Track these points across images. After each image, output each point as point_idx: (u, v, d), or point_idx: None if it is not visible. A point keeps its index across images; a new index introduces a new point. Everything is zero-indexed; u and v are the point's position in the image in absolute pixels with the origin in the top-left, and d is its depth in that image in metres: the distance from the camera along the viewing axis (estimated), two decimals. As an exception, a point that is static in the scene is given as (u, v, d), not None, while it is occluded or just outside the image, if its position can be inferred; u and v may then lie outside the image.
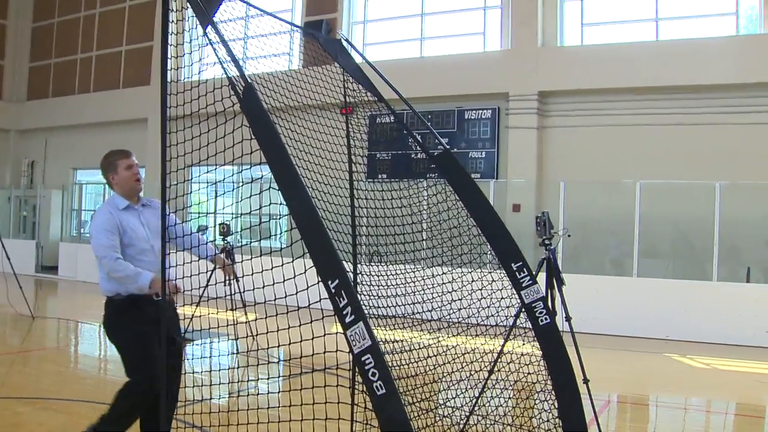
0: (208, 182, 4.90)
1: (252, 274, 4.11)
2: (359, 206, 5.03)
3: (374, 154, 17.29)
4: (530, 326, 4.24)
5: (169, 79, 3.91)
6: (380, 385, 2.27)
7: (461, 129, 17.11)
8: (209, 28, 3.34)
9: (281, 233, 19.03)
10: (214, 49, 3.31)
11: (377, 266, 4.84)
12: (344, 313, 2.37)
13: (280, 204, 3.95)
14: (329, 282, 2.44)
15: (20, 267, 13.34)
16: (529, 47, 16.45)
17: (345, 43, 4.95)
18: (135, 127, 22.54)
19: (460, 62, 17.18)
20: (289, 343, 3.68)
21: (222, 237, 10.86)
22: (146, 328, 4.66)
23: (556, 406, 4.23)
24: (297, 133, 4.40)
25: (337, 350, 3.04)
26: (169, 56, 3.90)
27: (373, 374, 2.29)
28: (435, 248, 4.65)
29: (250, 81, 3.01)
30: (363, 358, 2.30)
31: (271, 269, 3.70)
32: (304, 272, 3.37)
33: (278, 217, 15.78)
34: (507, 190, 16.17)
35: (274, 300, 4.35)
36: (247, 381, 7.89)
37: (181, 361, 5.00)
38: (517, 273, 4.12)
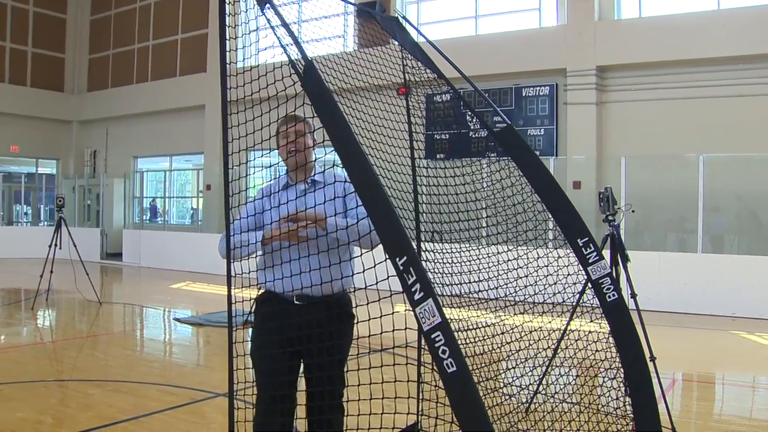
0: (263, 166, 4.80)
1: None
2: (420, 184, 4.99)
3: (432, 134, 17.20)
4: (596, 303, 4.16)
5: (228, 63, 3.90)
6: (451, 362, 2.24)
7: (519, 106, 16.92)
8: (268, 10, 3.32)
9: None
10: (273, 30, 3.29)
11: (439, 245, 4.79)
12: (413, 290, 2.34)
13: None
14: (397, 259, 2.42)
15: (85, 254, 13.63)
16: (585, 21, 16.15)
17: (402, 21, 4.89)
18: (192, 113, 22.83)
19: (516, 39, 16.98)
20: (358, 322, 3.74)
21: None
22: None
23: (625, 384, 4.15)
24: (354, 117, 4.38)
25: (392, 330, 3.04)
26: (227, 38, 3.90)
27: (443, 351, 2.26)
28: (497, 225, 4.58)
29: (310, 59, 2.99)
30: (433, 336, 2.28)
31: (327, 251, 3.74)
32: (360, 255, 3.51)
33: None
34: (567, 167, 15.96)
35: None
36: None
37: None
38: (583, 249, 4.04)
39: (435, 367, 2.30)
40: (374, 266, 2.80)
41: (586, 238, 4.08)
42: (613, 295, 4.00)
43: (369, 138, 4.36)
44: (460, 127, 16.03)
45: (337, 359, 3.87)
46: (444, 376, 2.22)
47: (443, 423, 3.82)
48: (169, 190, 25.06)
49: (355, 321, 3.92)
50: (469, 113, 5.35)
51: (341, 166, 2.76)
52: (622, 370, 4.10)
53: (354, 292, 3.94)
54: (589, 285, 4.19)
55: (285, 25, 3.30)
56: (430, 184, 4.89)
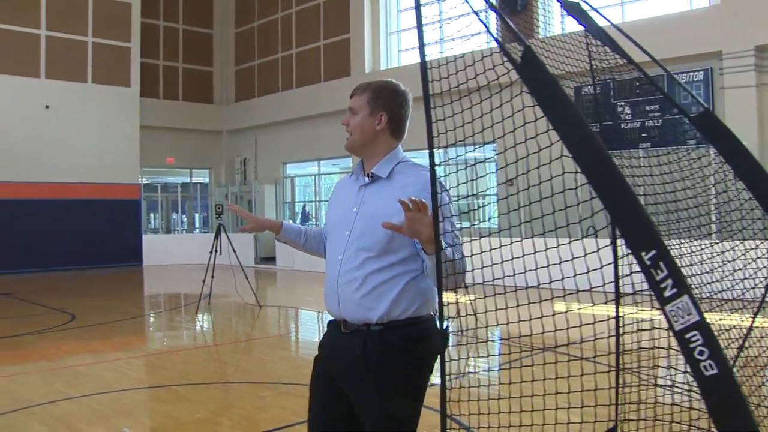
0: (457, 163, 4.55)
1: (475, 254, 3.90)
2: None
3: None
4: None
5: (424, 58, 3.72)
6: (710, 364, 1.95)
7: (671, 94, 16.03)
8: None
9: (492, 216, 18.89)
10: (478, 16, 3.06)
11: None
12: (663, 286, 2.06)
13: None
14: (643, 253, 2.14)
15: (241, 259, 13.89)
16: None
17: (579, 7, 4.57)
18: (338, 117, 22.86)
19: (665, 24, 16.09)
20: (524, 321, 3.44)
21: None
22: None
23: None
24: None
25: (565, 328, 2.76)
26: (423, 27, 3.72)
27: (701, 353, 1.97)
28: (699, 217, 4.19)
29: (528, 43, 2.73)
30: (688, 336, 1.99)
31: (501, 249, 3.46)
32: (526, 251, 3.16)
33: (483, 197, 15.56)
34: (728, 155, 14.98)
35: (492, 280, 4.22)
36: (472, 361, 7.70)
37: None
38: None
39: (688, 370, 2.02)
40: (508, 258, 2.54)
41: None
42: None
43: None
44: (612, 118, 15.43)
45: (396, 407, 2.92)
46: (700, 379, 1.94)
47: (644, 428, 3.51)
48: (319, 194, 25.47)
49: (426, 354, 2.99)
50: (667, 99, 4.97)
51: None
52: None
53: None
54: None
55: (494, 9, 3.07)
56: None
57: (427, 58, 4.04)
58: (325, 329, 3.17)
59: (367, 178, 3.02)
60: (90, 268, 22.17)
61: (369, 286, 2.88)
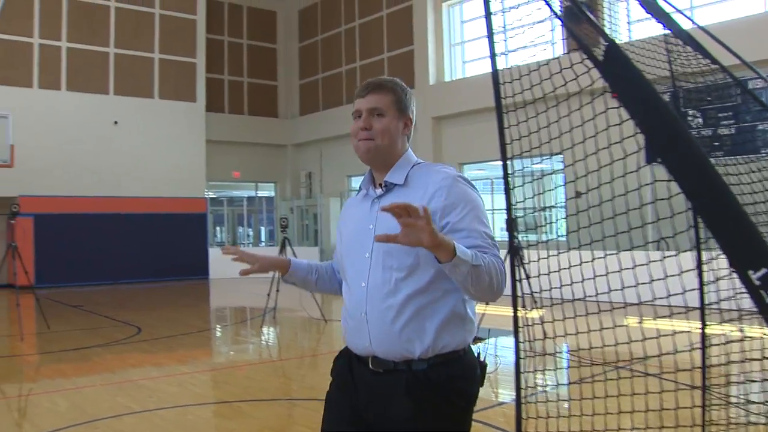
0: (524, 174, 4.30)
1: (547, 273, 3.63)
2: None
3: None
4: None
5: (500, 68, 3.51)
6: None
7: (748, 99, 15.33)
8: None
9: (558, 224, 18.43)
10: (554, 11, 2.81)
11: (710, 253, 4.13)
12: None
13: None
14: (751, 272, 1.86)
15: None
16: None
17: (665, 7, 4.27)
18: (403, 130, 22.95)
19: (747, 26, 15.36)
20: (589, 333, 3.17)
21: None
22: None
23: None
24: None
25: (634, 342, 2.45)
26: (494, 34, 3.51)
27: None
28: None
29: (612, 40, 2.46)
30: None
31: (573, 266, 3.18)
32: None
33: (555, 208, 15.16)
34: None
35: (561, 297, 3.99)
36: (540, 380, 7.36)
37: None
38: None
39: None
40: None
41: None
42: None
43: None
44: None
45: None
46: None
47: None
48: (383, 207, 25.22)
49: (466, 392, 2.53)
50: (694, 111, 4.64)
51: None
52: None
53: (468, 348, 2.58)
54: None
55: (578, 7, 2.82)
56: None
57: (498, 68, 3.82)
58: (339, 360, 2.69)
59: (379, 190, 2.59)
60: (157, 281, 22.40)
61: (408, 312, 2.42)
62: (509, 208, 3.63)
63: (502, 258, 2.38)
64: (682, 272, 3.66)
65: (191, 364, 9.08)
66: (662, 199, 3.54)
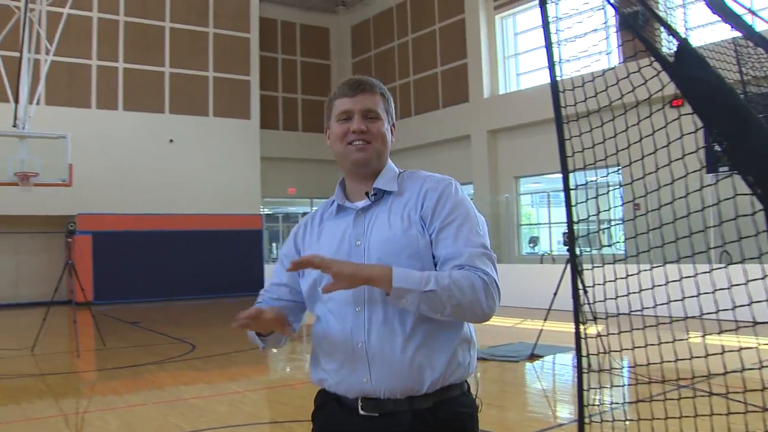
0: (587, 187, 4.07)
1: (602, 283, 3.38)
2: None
3: (712, 146, 15.50)
4: None
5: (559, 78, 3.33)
6: None
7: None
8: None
9: (618, 240, 17.99)
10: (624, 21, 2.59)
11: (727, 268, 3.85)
12: None
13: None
14: None
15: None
16: None
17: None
18: (458, 144, 22.85)
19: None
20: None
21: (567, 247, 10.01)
22: None
23: None
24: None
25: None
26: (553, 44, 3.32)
27: None
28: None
29: (684, 38, 2.22)
30: None
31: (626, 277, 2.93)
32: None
33: (615, 222, 14.77)
34: None
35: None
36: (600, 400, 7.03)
37: None
38: None
39: None
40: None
41: None
42: None
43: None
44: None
45: None
46: None
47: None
48: (438, 221, 25.08)
49: None
50: None
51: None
52: None
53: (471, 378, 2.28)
54: None
55: (647, 7, 2.60)
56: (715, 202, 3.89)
57: (557, 79, 3.63)
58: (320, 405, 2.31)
59: (365, 200, 2.27)
60: (212, 298, 22.50)
61: (419, 337, 2.10)
62: (570, 222, 3.39)
63: (494, 270, 2.08)
64: (748, 281, 3.42)
65: (244, 382, 8.95)
66: (728, 220, 3.29)
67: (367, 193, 2.27)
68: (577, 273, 3.98)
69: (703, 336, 3.98)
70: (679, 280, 3.87)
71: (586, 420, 4.03)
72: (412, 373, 2.07)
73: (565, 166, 3.31)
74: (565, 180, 3.52)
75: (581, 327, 3.51)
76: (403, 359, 2.08)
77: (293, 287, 2.41)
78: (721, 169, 15.31)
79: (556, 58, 3.61)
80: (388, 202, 2.25)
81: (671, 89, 3.87)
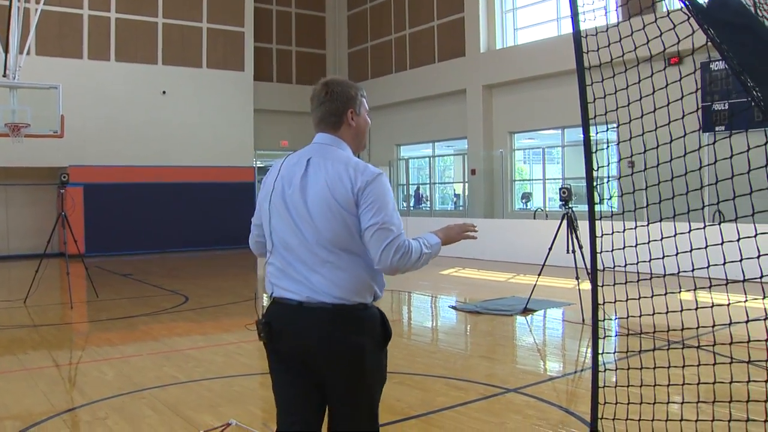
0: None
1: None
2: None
3: (708, 105, 15.48)
4: None
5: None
6: None
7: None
8: None
9: (610, 197, 18.03)
10: None
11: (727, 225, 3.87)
12: None
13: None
14: None
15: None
16: None
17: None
18: (453, 99, 22.69)
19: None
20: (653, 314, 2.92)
21: (563, 203, 10.03)
22: None
23: None
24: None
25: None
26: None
27: None
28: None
29: None
30: None
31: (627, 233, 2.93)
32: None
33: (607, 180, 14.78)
34: None
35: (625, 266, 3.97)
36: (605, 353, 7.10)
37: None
38: None
39: None
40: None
41: None
42: None
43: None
44: (741, 96, 14.27)
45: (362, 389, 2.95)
46: None
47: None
48: (433, 176, 25.13)
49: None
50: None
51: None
52: None
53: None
54: None
55: None
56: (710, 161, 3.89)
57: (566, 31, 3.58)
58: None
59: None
60: (205, 250, 22.55)
61: None
62: (589, 172, 3.38)
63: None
64: (739, 239, 3.47)
65: (238, 333, 8.99)
66: (723, 179, 3.28)
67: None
68: (591, 226, 4.01)
69: (694, 290, 4.02)
70: (674, 236, 3.89)
71: (600, 368, 4.12)
72: None
73: (585, 114, 3.28)
74: (585, 129, 3.49)
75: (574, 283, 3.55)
76: None
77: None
78: (717, 128, 15.31)
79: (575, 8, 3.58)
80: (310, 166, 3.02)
81: (672, 46, 3.87)
